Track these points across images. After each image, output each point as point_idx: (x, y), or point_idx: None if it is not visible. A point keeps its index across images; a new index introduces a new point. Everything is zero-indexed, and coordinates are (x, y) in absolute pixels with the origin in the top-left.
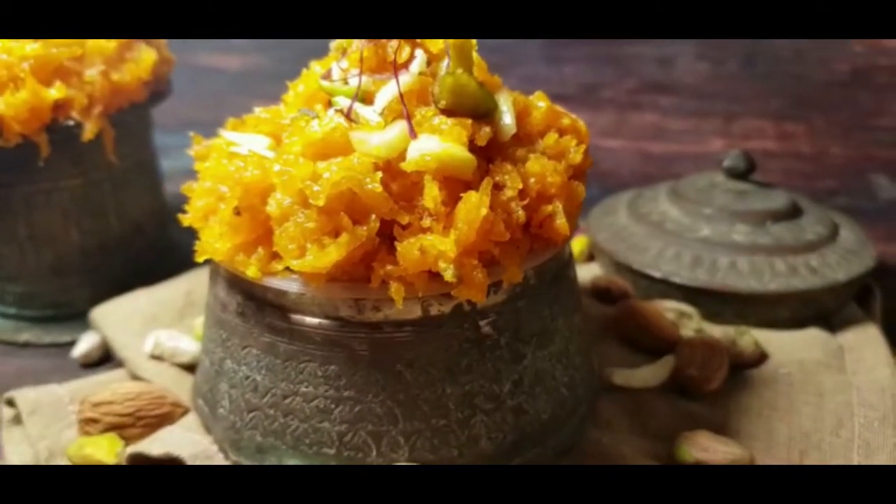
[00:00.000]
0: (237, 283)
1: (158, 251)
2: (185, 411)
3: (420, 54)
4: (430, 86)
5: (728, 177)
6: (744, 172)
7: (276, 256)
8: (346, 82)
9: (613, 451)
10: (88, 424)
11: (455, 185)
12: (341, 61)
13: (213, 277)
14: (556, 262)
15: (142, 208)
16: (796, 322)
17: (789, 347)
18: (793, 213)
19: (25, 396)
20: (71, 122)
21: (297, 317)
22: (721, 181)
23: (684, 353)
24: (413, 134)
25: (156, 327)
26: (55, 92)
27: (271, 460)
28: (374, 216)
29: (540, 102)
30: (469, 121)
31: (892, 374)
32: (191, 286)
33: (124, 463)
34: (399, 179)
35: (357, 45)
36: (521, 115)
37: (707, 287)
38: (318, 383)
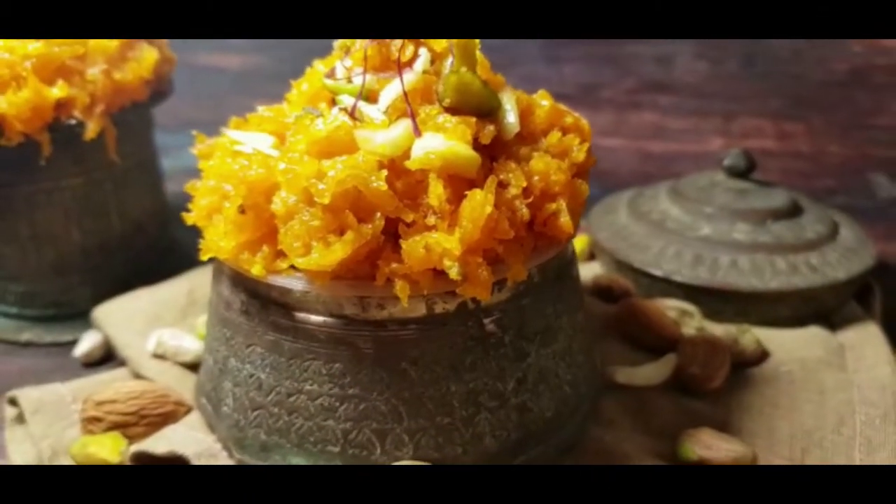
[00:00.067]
0: (241, 282)
1: (159, 250)
2: (189, 410)
3: (424, 53)
4: (434, 84)
5: (728, 175)
6: (744, 171)
7: (280, 254)
8: (349, 81)
9: (616, 449)
10: (92, 423)
11: (459, 183)
12: (345, 60)
13: (217, 276)
14: (560, 260)
15: (143, 207)
16: (797, 320)
17: (790, 345)
18: (793, 211)
19: (28, 396)
20: (73, 121)
21: (301, 315)
22: (721, 180)
23: (686, 352)
24: (417, 132)
25: (158, 326)
26: (57, 91)
27: (275, 458)
28: (378, 214)
29: (543, 101)
30: (473, 119)
31: (892, 371)
32: (193, 285)
33: (128, 462)
34: (403, 177)
35: (361, 44)
36: (525, 114)
37: (708, 285)
38: (322, 381)
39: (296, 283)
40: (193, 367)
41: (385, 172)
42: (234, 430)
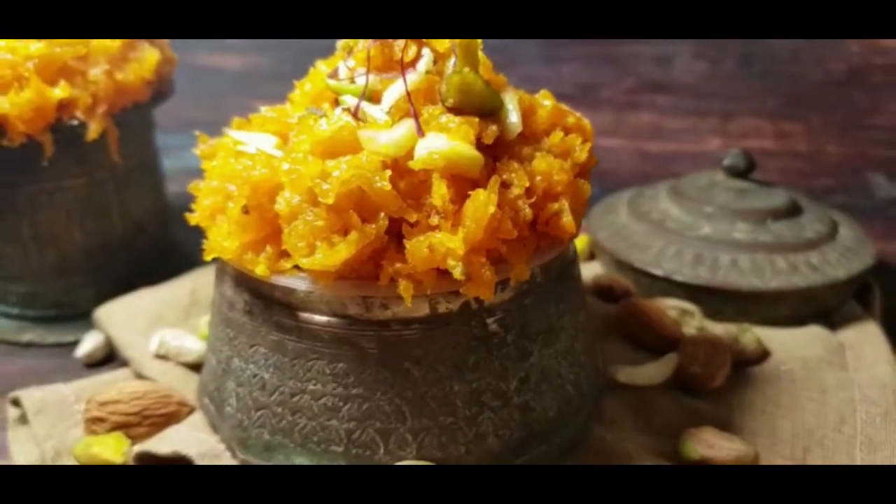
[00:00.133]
0: (245, 282)
1: (161, 251)
2: (191, 410)
3: (427, 53)
4: (436, 84)
5: (728, 175)
6: (744, 171)
7: (284, 255)
8: (352, 81)
9: (618, 449)
10: (95, 423)
11: (463, 183)
12: (348, 60)
13: (220, 276)
14: (562, 260)
15: (145, 208)
16: (797, 319)
17: (791, 345)
18: (793, 211)
19: (31, 396)
20: (75, 122)
21: (305, 315)
22: (721, 180)
23: (687, 351)
24: (421, 132)
25: (160, 326)
26: (59, 91)
27: (279, 458)
28: (382, 214)
29: (545, 101)
30: (476, 119)
31: (892, 370)
32: (195, 285)
33: (131, 462)
34: (407, 178)
35: (363, 45)
36: (527, 114)
37: (708, 285)
38: (326, 381)
39: (299, 283)
40: (196, 367)
41: (389, 172)
42: (238, 430)
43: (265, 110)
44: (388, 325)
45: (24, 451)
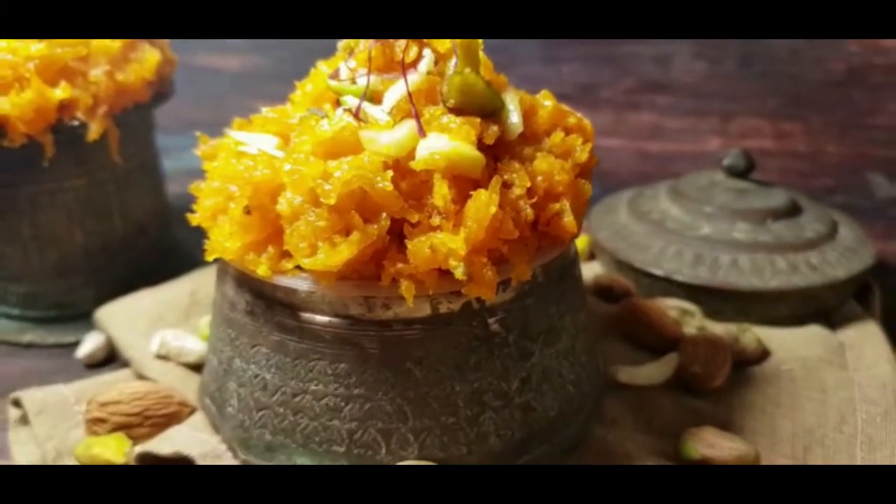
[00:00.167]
0: (246, 282)
1: (161, 251)
2: (193, 411)
3: (428, 53)
4: (437, 85)
5: (728, 175)
6: (744, 171)
7: (286, 255)
8: (354, 82)
9: (619, 448)
10: (96, 424)
11: (464, 183)
12: (349, 61)
13: (222, 276)
14: (563, 260)
15: (145, 209)
16: (797, 319)
17: (791, 344)
18: (792, 211)
19: (32, 397)
20: (76, 123)
21: (307, 315)
22: (721, 180)
23: (688, 351)
24: (422, 133)
25: (161, 327)
26: (60, 92)
27: (281, 459)
28: (384, 214)
29: (546, 101)
30: (477, 120)
31: (892, 370)
32: (195, 286)
33: (133, 463)
34: (408, 178)
35: (365, 45)
36: (528, 114)
37: (708, 285)
38: (327, 381)
39: (301, 284)
40: (196, 367)
41: (390, 173)
42: (239, 430)
43: (266, 111)
44: (389, 326)
45: (25, 452)
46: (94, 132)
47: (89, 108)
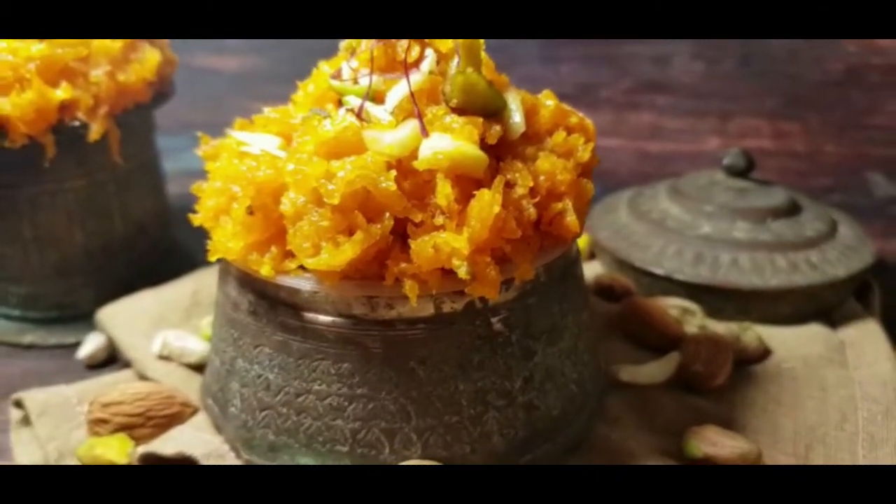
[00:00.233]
0: (249, 282)
1: (161, 252)
2: (195, 411)
3: (430, 53)
4: (440, 85)
5: (728, 174)
6: (744, 170)
7: (289, 255)
8: (356, 81)
9: (622, 447)
10: (98, 425)
11: (467, 183)
12: (351, 61)
13: (224, 277)
14: (565, 259)
15: (145, 209)
16: (797, 318)
17: (791, 343)
18: (792, 210)
19: (34, 398)
20: (76, 123)
21: (310, 315)
22: (721, 179)
23: (689, 350)
24: (425, 132)
25: (163, 327)
26: (61, 93)
27: (284, 459)
28: (387, 214)
29: (548, 101)
30: (480, 119)
31: (893, 368)
32: (196, 286)
33: (136, 463)
34: (411, 178)
35: (367, 45)
36: (530, 114)
37: (709, 284)
38: (331, 381)
39: (305, 284)
40: (198, 368)
41: (394, 173)
42: (242, 430)
43: (268, 111)
44: (392, 325)
45: (27, 453)
46: (94, 132)
47: (90, 109)
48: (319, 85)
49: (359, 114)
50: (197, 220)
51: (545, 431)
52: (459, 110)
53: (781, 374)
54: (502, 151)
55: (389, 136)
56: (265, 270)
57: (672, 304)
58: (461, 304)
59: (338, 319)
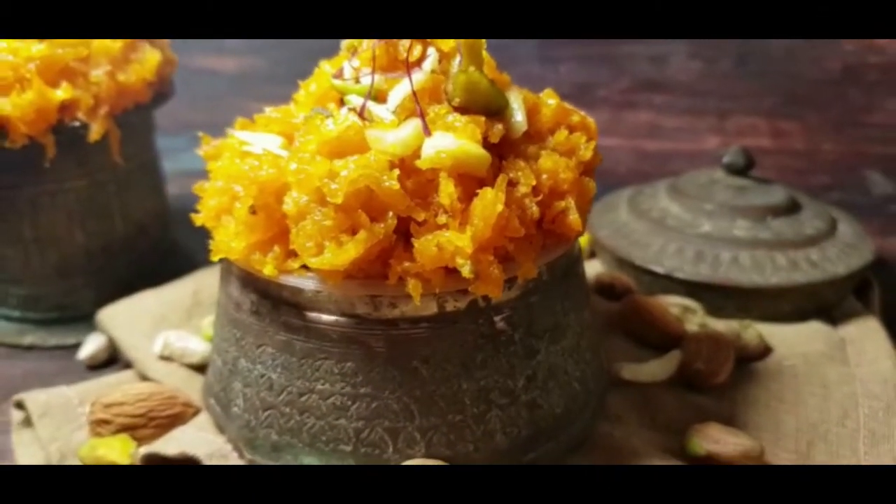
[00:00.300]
0: (251, 282)
1: (161, 252)
2: (197, 411)
3: (432, 52)
4: (442, 84)
5: (728, 173)
6: (743, 168)
7: (291, 254)
8: (358, 81)
9: (625, 445)
10: (100, 426)
11: (470, 181)
12: (352, 60)
13: (226, 276)
14: (568, 257)
15: (145, 209)
16: (798, 315)
17: (792, 340)
18: (792, 208)
19: (35, 399)
20: (77, 123)
21: (313, 314)
22: (721, 177)
23: (690, 348)
24: (427, 131)
25: (164, 328)
26: (61, 93)
27: (287, 458)
28: (391, 213)
29: (549, 100)
30: (482, 118)
31: (893, 365)
32: (197, 286)
33: (138, 464)
34: (414, 177)
35: (368, 44)
36: (531, 113)
37: (710, 282)
38: (334, 380)
39: (308, 283)
40: (200, 368)
41: (397, 172)
42: (245, 430)
43: (269, 111)
44: (396, 324)
45: (29, 454)
46: (95, 133)
47: (90, 109)
48: (321, 84)
49: (361, 113)
50: (199, 219)
51: (548, 430)
52: (462, 109)
53: (782, 372)
54: (505, 150)
55: (392, 135)
56: (268, 270)
57: (673, 303)
58: (464, 303)
59: (341, 319)
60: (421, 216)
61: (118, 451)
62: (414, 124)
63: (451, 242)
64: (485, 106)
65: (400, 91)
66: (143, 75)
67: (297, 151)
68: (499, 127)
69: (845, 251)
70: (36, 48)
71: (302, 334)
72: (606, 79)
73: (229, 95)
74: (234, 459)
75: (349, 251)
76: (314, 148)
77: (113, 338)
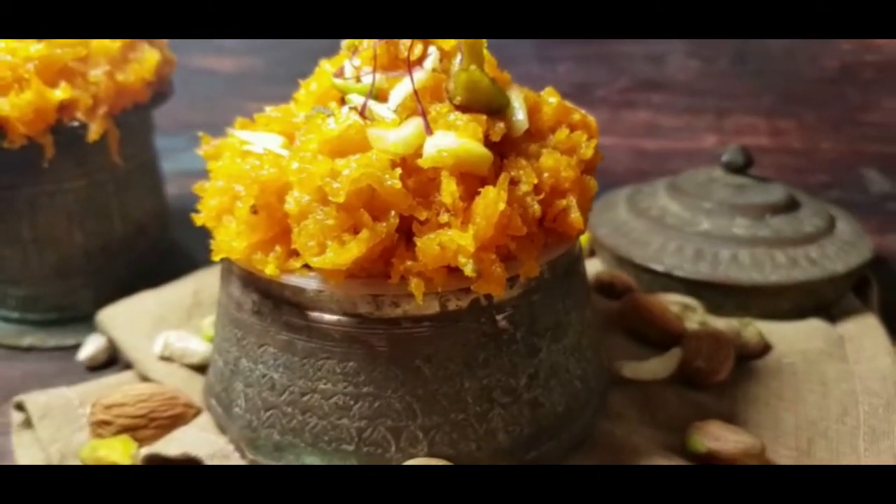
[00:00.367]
0: (252, 282)
1: (161, 252)
2: (198, 412)
3: (433, 51)
4: (443, 82)
5: (726, 171)
6: (742, 167)
7: (293, 254)
8: (359, 80)
9: (626, 443)
10: (100, 427)
11: (471, 180)
12: (353, 59)
13: (227, 276)
14: (569, 256)
15: (145, 210)
16: (797, 313)
17: (792, 338)
18: (791, 206)
19: (35, 400)
20: (76, 123)
21: (315, 314)
22: (720, 176)
23: (691, 346)
24: (429, 130)
25: (164, 328)
26: (60, 93)
27: (289, 458)
28: (393, 212)
29: (550, 98)
30: (484, 117)
31: (892, 362)
32: (197, 286)
33: (140, 464)
34: (416, 176)
35: (369, 43)
36: (532, 111)
37: (709, 280)
38: (336, 380)
39: (310, 283)
40: (200, 368)
41: (399, 171)
42: (247, 430)
43: (270, 110)
44: (398, 323)
45: (29, 456)
46: (94, 133)
47: (89, 109)
48: (322, 83)
49: (362, 112)
50: (199, 219)
51: (550, 428)
52: (463, 108)
53: (782, 369)
54: (506, 149)
55: (393, 134)
56: (270, 270)
57: (673, 301)
58: (466, 302)
59: (343, 318)
60: (423, 215)
61: (119, 452)
62: (415, 123)
63: (454, 241)
64: (486, 104)
65: (401, 90)
66: (141, 75)
67: (299, 151)
68: (500, 125)
69: (844, 249)
70: (34, 48)
71: (304, 334)
72: (605, 78)
73: (228, 95)
74: (235, 460)
75: (351, 250)
76: (316, 147)
77: (113, 338)
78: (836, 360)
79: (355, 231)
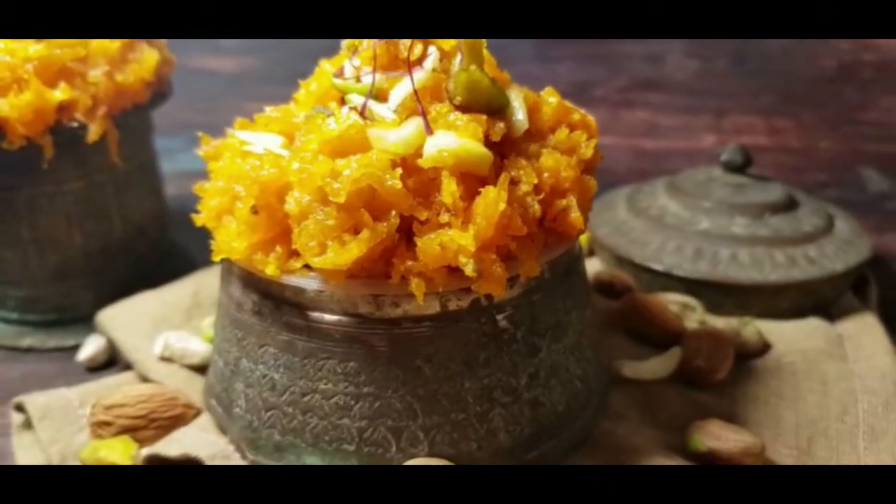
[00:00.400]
0: (253, 282)
1: (160, 253)
2: (198, 412)
3: (433, 51)
4: (443, 82)
5: (726, 170)
6: (741, 166)
7: (293, 254)
8: (359, 80)
9: (626, 443)
10: (101, 428)
11: (472, 180)
12: (353, 59)
13: (227, 277)
14: (569, 255)
15: (144, 210)
16: (796, 312)
17: (791, 337)
18: (789, 205)
19: (35, 401)
20: (75, 124)
21: (315, 314)
22: (719, 175)
23: (691, 345)
24: (429, 130)
25: (164, 329)
26: (59, 93)
27: (290, 459)
28: (393, 212)
29: (550, 98)
30: (484, 116)
31: (891, 360)
32: (197, 287)
33: (140, 465)
34: (416, 176)
35: (369, 43)
36: (532, 111)
37: (709, 279)
38: (337, 380)
39: (310, 283)
40: (200, 369)
41: (399, 171)
42: (248, 430)
43: (270, 110)
44: (398, 324)
45: (30, 457)
46: (93, 133)
47: (88, 110)
48: (322, 83)
49: (362, 112)
50: (199, 220)
51: (550, 428)
52: (463, 108)
53: (782, 368)
54: (506, 149)
55: (394, 134)
56: (270, 270)
57: (672, 300)
58: (467, 302)
59: (343, 318)
60: (423, 215)
61: (119, 453)
62: (415, 123)
63: (454, 241)
64: (486, 104)
65: (401, 90)
66: (141, 75)
67: (299, 151)
68: (500, 125)
69: (843, 248)
70: (33, 48)
71: (304, 334)
72: (604, 78)
73: (228, 95)
74: (236, 460)
75: (352, 250)
76: (316, 147)
77: (113, 339)
78: (836, 358)
79: (356, 231)
